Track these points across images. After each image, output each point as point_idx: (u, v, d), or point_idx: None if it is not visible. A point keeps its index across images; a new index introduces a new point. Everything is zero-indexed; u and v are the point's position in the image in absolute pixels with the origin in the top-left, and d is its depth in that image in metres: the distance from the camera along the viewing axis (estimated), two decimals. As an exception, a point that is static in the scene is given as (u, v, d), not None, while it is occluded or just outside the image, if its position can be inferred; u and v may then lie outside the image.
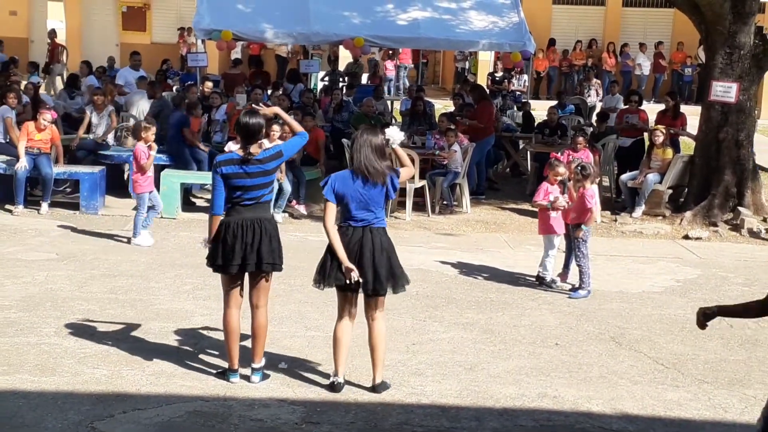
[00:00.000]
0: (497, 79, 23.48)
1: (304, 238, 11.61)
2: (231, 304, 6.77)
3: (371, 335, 6.64)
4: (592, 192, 9.51)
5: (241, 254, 6.60)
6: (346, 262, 6.37)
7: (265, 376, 6.78)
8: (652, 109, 17.28)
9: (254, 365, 6.76)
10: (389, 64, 26.08)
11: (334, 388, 6.61)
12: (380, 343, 6.62)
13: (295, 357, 7.29)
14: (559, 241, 9.85)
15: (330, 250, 6.49)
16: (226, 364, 6.85)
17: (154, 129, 11.32)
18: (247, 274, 6.77)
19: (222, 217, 6.66)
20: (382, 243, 6.52)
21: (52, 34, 25.39)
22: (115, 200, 13.12)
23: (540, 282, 9.78)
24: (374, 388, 6.64)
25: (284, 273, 9.63)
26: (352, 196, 6.44)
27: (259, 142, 6.77)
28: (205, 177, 13.11)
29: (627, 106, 16.19)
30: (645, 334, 8.34)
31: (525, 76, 22.22)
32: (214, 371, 6.87)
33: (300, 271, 9.92)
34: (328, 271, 6.49)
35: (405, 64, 26.28)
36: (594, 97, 22.22)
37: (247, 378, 6.74)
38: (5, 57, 21.22)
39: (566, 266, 9.90)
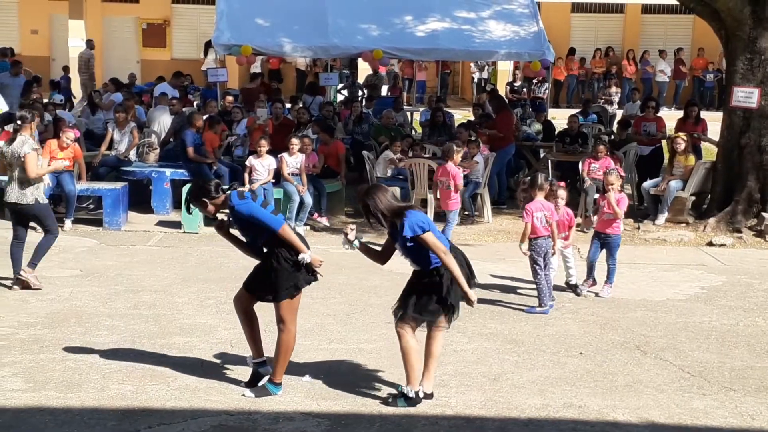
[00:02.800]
0: (516, 88, 23.45)
1: (326, 251, 11.61)
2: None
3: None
4: (530, 207, 9.28)
5: None
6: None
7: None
8: (674, 116, 17.18)
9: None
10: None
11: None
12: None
13: (319, 370, 7.29)
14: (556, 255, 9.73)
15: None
16: (246, 378, 6.96)
17: (462, 151, 11.82)
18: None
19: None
20: None
21: (8, 51, 25.08)
22: (137, 216, 13.19)
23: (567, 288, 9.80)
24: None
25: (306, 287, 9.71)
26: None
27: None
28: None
29: (644, 114, 16.04)
30: (670, 342, 8.29)
31: (546, 84, 22.19)
32: (239, 383, 6.89)
33: (321, 284, 9.90)
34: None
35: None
36: (615, 105, 22.16)
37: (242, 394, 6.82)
38: (24, 78, 21.26)
39: (589, 273, 9.86)
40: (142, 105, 17.82)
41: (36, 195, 9.39)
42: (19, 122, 9.67)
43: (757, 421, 6.57)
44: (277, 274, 6.54)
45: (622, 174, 9.89)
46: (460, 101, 28.45)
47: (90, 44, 25.85)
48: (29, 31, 28.69)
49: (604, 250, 9.86)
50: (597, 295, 9.64)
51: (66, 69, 24.50)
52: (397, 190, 13.32)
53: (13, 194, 9.38)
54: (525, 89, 23.21)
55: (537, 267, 9.19)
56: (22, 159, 9.30)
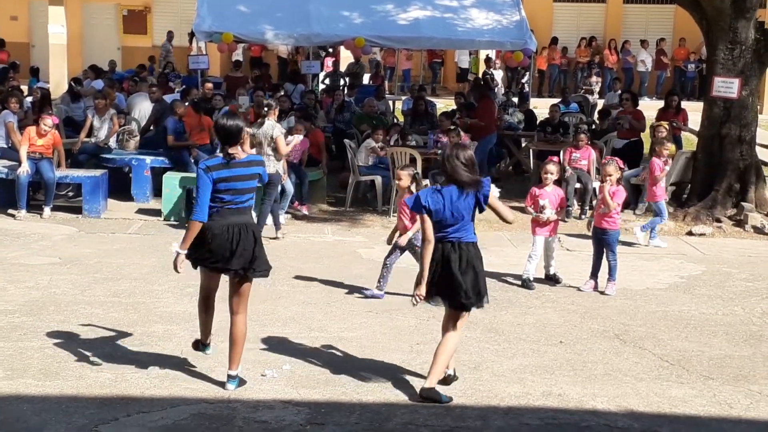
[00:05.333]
0: (489, 75, 23.46)
1: (307, 239, 11.62)
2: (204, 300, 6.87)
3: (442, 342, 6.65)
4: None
5: (226, 255, 6.41)
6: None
7: (241, 383, 6.65)
8: (655, 106, 17.21)
9: (230, 372, 6.63)
10: (329, 61, 25.69)
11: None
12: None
13: (299, 358, 7.28)
14: (542, 243, 9.72)
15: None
16: (226, 368, 6.78)
17: (670, 147, 12.38)
18: (228, 280, 6.60)
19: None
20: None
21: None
22: (117, 203, 13.12)
23: (522, 284, 9.66)
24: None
25: (288, 274, 9.71)
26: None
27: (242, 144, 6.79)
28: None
29: (622, 107, 15.93)
30: (649, 330, 8.33)
31: (528, 74, 22.20)
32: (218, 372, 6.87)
33: (303, 272, 9.95)
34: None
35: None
36: (596, 95, 22.21)
37: (222, 384, 6.64)
38: None
39: (593, 274, 9.66)
40: (123, 92, 17.71)
41: (277, 167, 11.24)
42: (266, 109, 11.50)
43: (735, 410, 6.61)
44: None
45: (622, 166, 9.80)
46: (442, 90, 28.44)
47: (170, 36, 26.76)
48: (8, 17, 28.44)
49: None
50: (603, 293, 9.51)
51: (152, 59, 24.56)
52: (378, 179, 13.35)
53: None
54: (499, 78, 23.21)
55: (397, 253, 9.08)
56: (274, 140, 11.10)
